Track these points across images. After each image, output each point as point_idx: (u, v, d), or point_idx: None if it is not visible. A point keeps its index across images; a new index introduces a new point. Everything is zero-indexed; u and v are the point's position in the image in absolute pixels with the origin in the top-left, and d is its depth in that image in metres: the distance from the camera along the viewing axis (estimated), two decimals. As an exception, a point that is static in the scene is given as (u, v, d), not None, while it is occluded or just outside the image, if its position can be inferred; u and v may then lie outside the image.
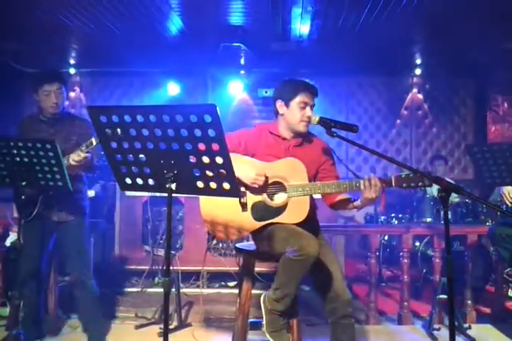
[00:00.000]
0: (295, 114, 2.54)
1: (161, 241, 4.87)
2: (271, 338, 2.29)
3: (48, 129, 3.09)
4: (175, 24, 5.11)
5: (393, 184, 2.34)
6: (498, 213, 4.57)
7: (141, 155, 1.87)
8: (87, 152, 2.79)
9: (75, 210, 3.15)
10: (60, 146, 2.81)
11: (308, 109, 2.54)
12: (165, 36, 5.49)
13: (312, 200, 2.52)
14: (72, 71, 6.80)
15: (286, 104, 2.56)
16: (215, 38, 5.43)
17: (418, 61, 6.51)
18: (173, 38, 5.57)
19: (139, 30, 5.30)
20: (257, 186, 2.38)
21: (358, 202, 2.45)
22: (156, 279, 4.69)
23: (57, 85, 3.02)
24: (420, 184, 2.29)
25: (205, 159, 1.79)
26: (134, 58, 5.86)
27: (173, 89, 6.83)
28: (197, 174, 1.84)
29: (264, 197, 2.45)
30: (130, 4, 4.52)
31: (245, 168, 2.39)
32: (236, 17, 4.99)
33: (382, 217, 5.52)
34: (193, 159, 1.81)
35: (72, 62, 6.60)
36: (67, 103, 3.16)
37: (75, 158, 2.78)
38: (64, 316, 3.73)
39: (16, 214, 4.33)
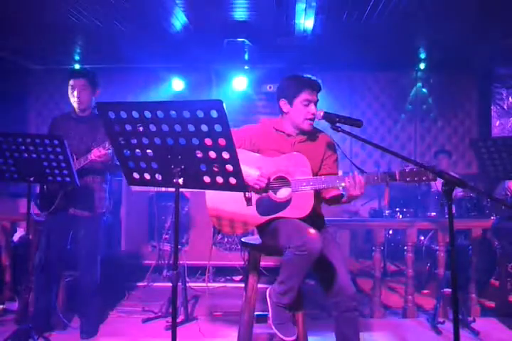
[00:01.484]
0: (299, 111, 2.53)
1: (167, 236, 4.90)
2: (277, 331, 2.32)
3: (76, 128, 3.20)
4: (179, 20, 5.11)
5: (397, 178, 2.34)
6: (503, 207, 4.57)
7: (149, 151, 1.89)
8: (108, 149, 2.91)
9: (93, 207, 3.21)
10: (87, 144, 2.91)
11: (312, 106, 2.52)
12: (169, 32, 5.49)
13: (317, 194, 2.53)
14: (77, 67, 6.82)
15: (290, 103, 2.55)
16: (219, 33, 5.43)
17: (422, 55, 6.49)
18: (178, 34, 5.57)
19: (143, 26, 5.31)
20: (258, 187, 2.39)
21: (344, 199, 2.47)
22: (164, 272, 4.72)
23: (82, 81, 3.16)
24: (424, 178, 2.29)
25: (212, 154, 1.81)
26: (139, 54, 5.87)
27: (177, 84, 6.85)
28: (204, 169, 1.86)
29: (268, 191, 2.46)
30: (135, 0, 4.53)
31: (251, 170, 2.40)
32: (240, 12, 4.98)
33: (387, 212, 5.53)
34: (199, 154, 1.83)
35: (77, 58, 6.61)
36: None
37: (95, 152, 2.93)
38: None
39: (23, 210, 4.37)
